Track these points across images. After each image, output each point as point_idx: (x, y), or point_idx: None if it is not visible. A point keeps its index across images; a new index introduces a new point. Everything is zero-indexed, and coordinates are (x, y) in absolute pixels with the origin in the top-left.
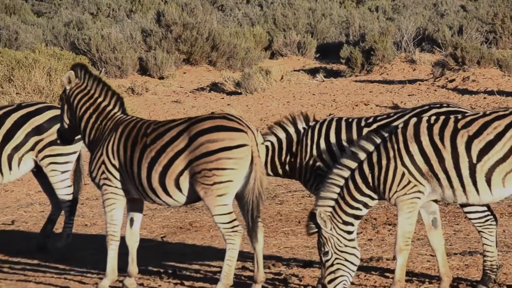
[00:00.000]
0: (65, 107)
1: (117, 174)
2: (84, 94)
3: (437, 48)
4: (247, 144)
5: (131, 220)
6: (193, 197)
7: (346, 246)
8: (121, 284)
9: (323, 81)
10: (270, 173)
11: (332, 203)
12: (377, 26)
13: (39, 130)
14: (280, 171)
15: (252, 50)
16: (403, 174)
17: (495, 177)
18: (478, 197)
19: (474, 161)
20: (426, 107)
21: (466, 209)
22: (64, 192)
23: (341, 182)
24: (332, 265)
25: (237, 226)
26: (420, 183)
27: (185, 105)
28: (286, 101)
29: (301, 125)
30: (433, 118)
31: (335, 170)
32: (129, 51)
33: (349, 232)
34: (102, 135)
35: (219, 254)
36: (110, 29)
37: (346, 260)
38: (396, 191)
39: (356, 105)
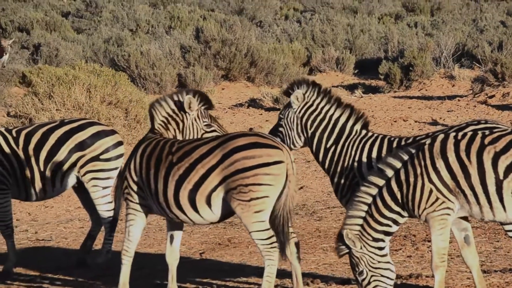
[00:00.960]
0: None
1: (139, 191)
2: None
3: (477, 64)
4: (283, 161)
5: (171, 237)
6: (221, 215)
7: (379, 262)
8: None
9: (362, 97)
10: None
11: (360, 221)
12: (416, 42)
13: (81, 146)
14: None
15: (291, 66)
16: (431, 191)
17: None
18: (505, 214)
19: (501, 177)
20: (464, 125)
21: (507, 226)
22: (105, 208)
23: (369, 200)
24: (369, 283)
25: (275, 242)
26: (449, 200)
27: (223, 121)
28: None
29: (358, 126)
30: (460, 134)
31: (362, 188)
32: (168, 67)
33: (381, 248)
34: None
35: (258, 270)
36: (149, 45)
37: (382, 275)
38: (425, 208)
39: (395, 121)
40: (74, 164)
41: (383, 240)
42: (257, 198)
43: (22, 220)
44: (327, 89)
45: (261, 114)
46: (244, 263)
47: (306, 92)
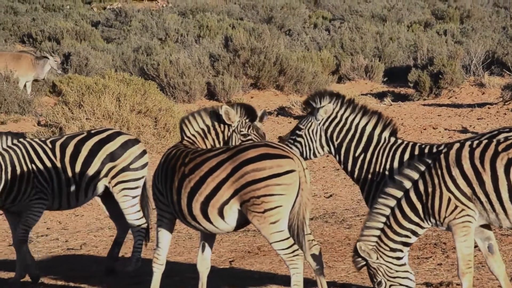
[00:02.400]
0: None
1: (162, 198)
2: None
3: (507, 72)
4: (294, 170)
5: (203, 246)
6: (236, 225)
7: (397, 271)
8: None
9: (391, 105)
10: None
11: (378, 232)
12: (445, 49)
13: (112, 156)
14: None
15: (320, 74)
16: (450, 199)
17: None
18: None
19: None
20: (495, 132)
21: None
22: (135, 217)
23: (387, 211)
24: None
25: (297, 250)
26: (468, 207)
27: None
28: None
29: (386, 133)
30: (476, 142)
31: (380, 200)
32: (197, 76)
33: (399, 258)
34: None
35: (288, 279)
36: (179, 54)
37: (401, 285)
38: (445, 217)
39: (425, 129)
40: (105, 175)
41: (401, 251)
42: (271, 208)
43: (53, 229)
44: (351, 98)
45: (290, 123)
46: (273, 271)
47: (330, 102)
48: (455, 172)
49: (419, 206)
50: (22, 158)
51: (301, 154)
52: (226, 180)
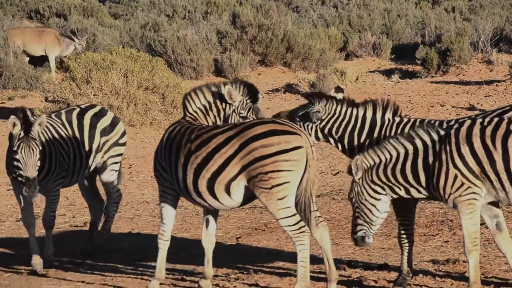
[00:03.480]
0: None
1: (165, 175)
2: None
3: None
4: (302, 146)
5: (207, 222)
6: (242, 201)
7: (366, 200)
8: (197, 285)
9: (399, 82)
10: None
11: (377, 160)
12: (453, 26)
13: (105, 131)
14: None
15: (327, 51)
16: (456, 176)
17: None
18: None
19: None
20: (508, 108)
21: None
22: (115, 189)
23: (394, 152)
24: (354, 212)
25: (303, 226)
26: (475, 185)
27: (259, 106)
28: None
29: (388, 115)
30: (487, 120)
31: (392, 141)
32: (204, 53)
33: (375, 192)
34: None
35: (295, 255)
36: (186, 31)
37: (363, 212)
38: (450, 193)
39: (432, 106)
40: (100, 149)
41: (382, 189)
42: (279, 184)
43: (60, 205)
44: (343, 96)
45: (298, 99)
46: (280, 248)
47: (326, 104)
48: (465, 149)
49: (422, 176)
50: (47, 135)
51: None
52: (234, 156)
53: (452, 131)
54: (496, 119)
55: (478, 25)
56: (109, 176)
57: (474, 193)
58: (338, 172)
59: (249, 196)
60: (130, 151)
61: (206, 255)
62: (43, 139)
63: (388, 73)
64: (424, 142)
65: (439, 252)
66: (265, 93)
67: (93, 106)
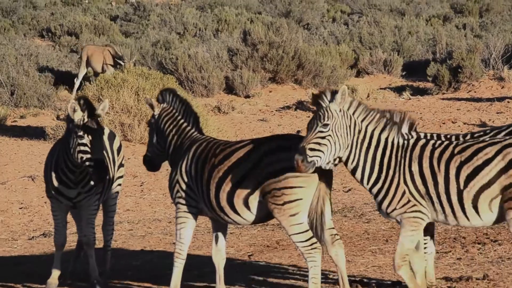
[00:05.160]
0: (154, 132)
1: (190, 193)
2: (170, 117)
3: None
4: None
5: (217, 238)
6: (263, 215)
7: (342, 136)
8: None
9: (410, 99)
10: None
11: (366, 109)
12: (464, 43)
13: (117, 152)
14: None
15: (338, 68)
16: (404, 193)
17: (481, 203)
18: (469, 222)
19: (461, 187)
20: (505, 127)
21: None
22: (115, 210)
23: (382, 122)
24: (322, 138)
25: (315, 243)
26: (421, 204)
27: (271, 124)
28: None
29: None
30: (438, 142)
31: (385, 112)
32: (215, 70)
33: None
34: (181, 154)
35: (307, 273)
36: (197, 48)
37: (332, 144)
38: (395, 209)
39: (443, 123)
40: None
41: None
42: (291, 201)
43: (72, 222)
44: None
45: (309, 117)
46: (292, 265)
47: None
48: (415, 168)
49: (374, 174)
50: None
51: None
52: (250, 171)
53: (410, 148)
54: (446, 142)
55: (489, 41)
56: (114, 196)
57: (420, 211)
58: (349, 190)
59: (268, 212)
60: (142, 169)
61: (217, 272)
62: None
63: (399, 90)
64: (394, 141)
65: (452, 269)
66: (276, 111)
67: (102, 127)
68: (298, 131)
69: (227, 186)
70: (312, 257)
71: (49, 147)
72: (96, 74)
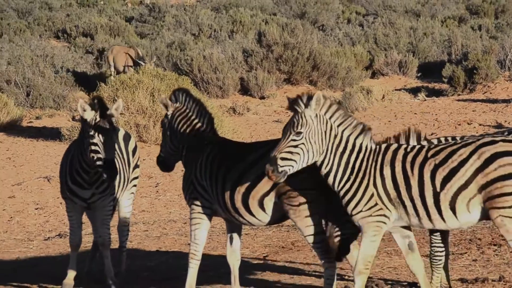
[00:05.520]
0: (168, 132)
1: (205, 194)
2: (183, 117)
3: None
4: None
5: (231, 239)
6: (278, 217)
7: (316, 143)
8: None
9: (425, 100)
10: None
11: (343, 117)
12: (480, 44)
13: (133, 153)
14: None
15: (353, 69)
16: (372, 195)
17: (459, 204)
18: (445, 224)
19: (438, 190)
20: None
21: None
22: (130, 211)
23: (359, 128)
24: (295, 146)
25: None
26: (387, 208)
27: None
28: (388, 120)
29: (412, 143)
30: (410, 146)
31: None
32: (230, 71)
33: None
34: (195, 155)
35: (322, 273)
36: (212, 49)
37: (305, 152)
38: (361, 211)
39: (459, 124)
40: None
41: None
42: (306, 203)
43: (88, 223)
44: None
45: None
46: (307, 266)
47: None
48: (387, 172)
49: (345, 177)
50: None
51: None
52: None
53: (382, 152)
54: (418, 146)
55: (505, 43)
56: (130, 197)
57: (384, 216)
58: None
59: (284, 213)
60: (157, 170)
61: (232, 273)
62: None
63: (414, 91)
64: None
65: (467, 271)
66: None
67: (117, 128)
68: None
69: (242, 187)
70: (326, 258)
71: (65, 148)
72: (118, 73)
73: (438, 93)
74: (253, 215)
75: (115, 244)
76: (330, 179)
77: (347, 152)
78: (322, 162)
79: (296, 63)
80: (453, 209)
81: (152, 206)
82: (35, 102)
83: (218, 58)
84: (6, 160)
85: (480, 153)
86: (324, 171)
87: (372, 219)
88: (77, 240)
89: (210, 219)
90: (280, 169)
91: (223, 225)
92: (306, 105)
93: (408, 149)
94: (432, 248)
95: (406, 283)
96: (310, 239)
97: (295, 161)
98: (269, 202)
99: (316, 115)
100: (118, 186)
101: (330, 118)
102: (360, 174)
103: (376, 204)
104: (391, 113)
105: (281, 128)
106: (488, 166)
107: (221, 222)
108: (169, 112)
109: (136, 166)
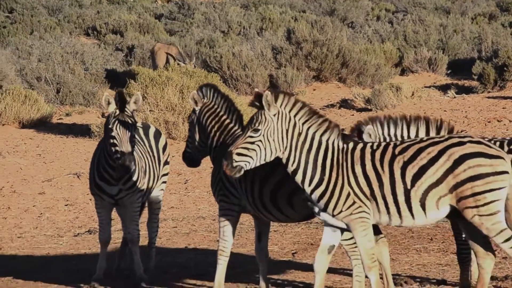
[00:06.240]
0: (196, 127)
1: (234, 191)
2: (212, 113)
3: None
4: None
5: (259, 236)
6: (306, 214)
7: (275, 141)
8: None
9: (455, 97)
10: None
11: (306, 115)
12: (510, 41)
13: (163, 150)
14: None
15: (382, 66)
16: (349, 194)
17: (429, 201)
18: (413, 221)
19: (409, 187)
20: None
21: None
22: (160, 207)
23: (324, 126)
24: (251, 143)
25: None
26: (365, 205)
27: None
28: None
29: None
30: (376, 144)
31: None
32: (259, 68)
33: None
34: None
35: (351, 271)
36: (241, 46)
37: (262, 149)
38: (342, 211)
39: (489, 122)
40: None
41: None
42: None
43: (117, 219)
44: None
45: (353, 115)
46: (336, 263)
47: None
48: (358, 170)
49: (316, 177)
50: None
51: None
52: None
53: (349, 150)
54: (384, 143)
55: None
56: (159, 194)
57: (365, 212)
58: None
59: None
60: (186, 167)
61: (261, 269)
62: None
63: (444, 88)
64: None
65: (497, 269)
66: (320, 109)
67: (148, 125)
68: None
69: (270, 184)
70: (356, 255)
71: (94, 145)
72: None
73: (468, 90)
74: (282, 212)
75: (144, 241)
76: (298, 177)
77: (314, 149)
78: (288, 159)
79: (325, 60)
80: (423, 206)
81: (181, 202)
82: (65, 99)
83: (247, 55)
84: (36, 157)
85: (449, 154)
86: (291, 168)
87: (355, 216)
88: (107, 237)
89: (238, 216)
90: (234, 164)
91: (252, 222)
92: (267, 103)
93: (375, 147)
94: (459, 246)
95: (435, 281)
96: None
97: (251, 157)
98: (298, 199)
99: (278, 113)
100: (148, 183)
101: (295, 116)
102: (334, 174)
103: (355, 202)
104: (421, 110)
105: None
106: (458, 167)
107: (249, 219)
108: (197, 108)
109: (166, 162)
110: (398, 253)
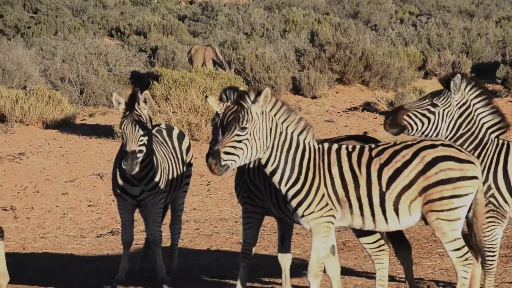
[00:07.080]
0: (220, 130)
1: (258, 193)
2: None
3: None
4: None
5: (282, 238)
6: None
7: (261, 139)
8: None
9: None
10: None
11: (294, 119)
12: None
13: (187, 151)
14: None
15: (406, 69)
16: (323, 196)
17: (401, 205)
18: (386, 226)
19: (384, 189)
20: None
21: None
22: (182, 209)
23: (301, 125)
24: (239, 141)
25: (383, 245)
26: (335, 208)
27: (338, 125)
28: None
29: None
30: (351, 146)
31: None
32: (282, 71)
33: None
34: None
35: (373, 274)
36: (264, 48)
37: (249, 148)
38: (313, 212)
39: None
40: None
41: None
42: None
43: (139, 221)
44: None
45: (376, 118)
46: (359, 266)
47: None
48: (335, 171)
49: (293, 176)
50: (155, 147)
51: (424, 131)
52: None
53: (325, 151)
54: (359, 146)
55: None
56: (181, 196)
57: (333, 216)
58: None
59: None
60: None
61: (283, 272)
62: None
63: None
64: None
65: (508, 273)
66: (343, 112)
67: (172, 127)
68: (365, 132)
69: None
70: (379, 259)
71: (117, 146)
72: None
73: (491, 94)
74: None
75: (167, 242)
76: (277, 177)
77: (293, 149)
78: (268, 159)
79: (349, 63)
80: (396, 209)
81: (203, 204)
82: (89, 99)
83: (271, 57)
84: (60, 157)
85: (422, 156)
86: (270, 168)
87: (323, 220)
88: (129, 238)
89: (262, 218)
90: (223, 163)
91: (274, 224)
92: (253, 101)
93: (350, 149)
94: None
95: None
96: (363, 240)
97: (238, 156)
98: None
99: (262, 112)
100: (171, 184)
101: (275, 115)
102: (310, 175)
103: (327, 204)
104: None
105: (332, 128)
106: (430, 170)
107: (272, 221)
108: (220, 111)
109: (189, 164)
110: (421, 257)
